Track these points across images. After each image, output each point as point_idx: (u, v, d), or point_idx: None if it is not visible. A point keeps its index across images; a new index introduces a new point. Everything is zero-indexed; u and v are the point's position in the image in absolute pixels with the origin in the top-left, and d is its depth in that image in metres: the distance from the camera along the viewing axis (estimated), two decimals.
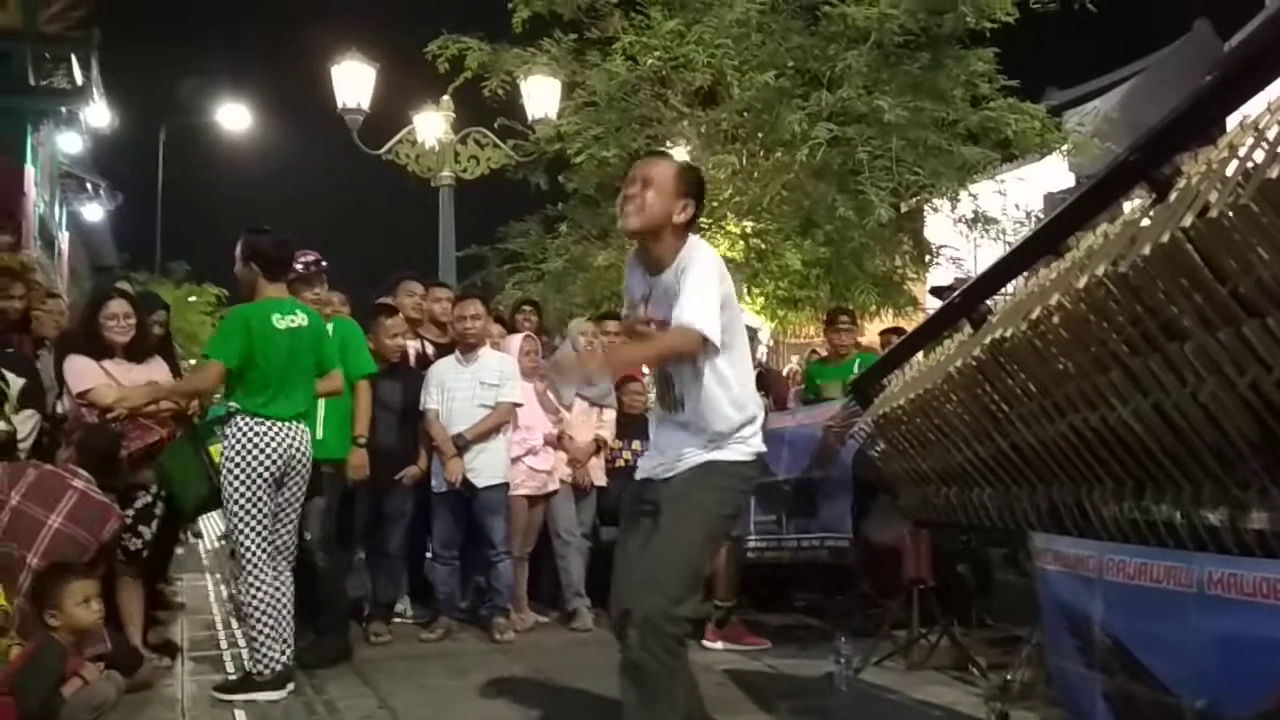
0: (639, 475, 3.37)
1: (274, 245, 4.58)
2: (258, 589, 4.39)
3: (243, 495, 4.35)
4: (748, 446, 3.17)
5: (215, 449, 4.55)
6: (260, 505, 4.38)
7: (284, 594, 4.50)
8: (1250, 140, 2.16)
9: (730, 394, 3.13)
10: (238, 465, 4.35)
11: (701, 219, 9.83)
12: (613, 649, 5.48)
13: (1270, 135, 2.11)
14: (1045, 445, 2.87)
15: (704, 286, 3.01)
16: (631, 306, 3.39)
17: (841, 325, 7.01)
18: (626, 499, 3.48)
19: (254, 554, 4.39)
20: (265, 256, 4.53)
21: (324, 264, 5.38)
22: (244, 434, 4.36)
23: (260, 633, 4.38)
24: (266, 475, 4.38)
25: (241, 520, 4.37)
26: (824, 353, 7.33)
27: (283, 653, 4.43)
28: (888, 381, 4.25)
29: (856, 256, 9.85)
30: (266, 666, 4.37)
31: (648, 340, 3.19)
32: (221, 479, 4.40)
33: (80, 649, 3.91)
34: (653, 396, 3.46)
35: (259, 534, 4.40)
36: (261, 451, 4.36)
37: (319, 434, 5.03)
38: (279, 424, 4.42)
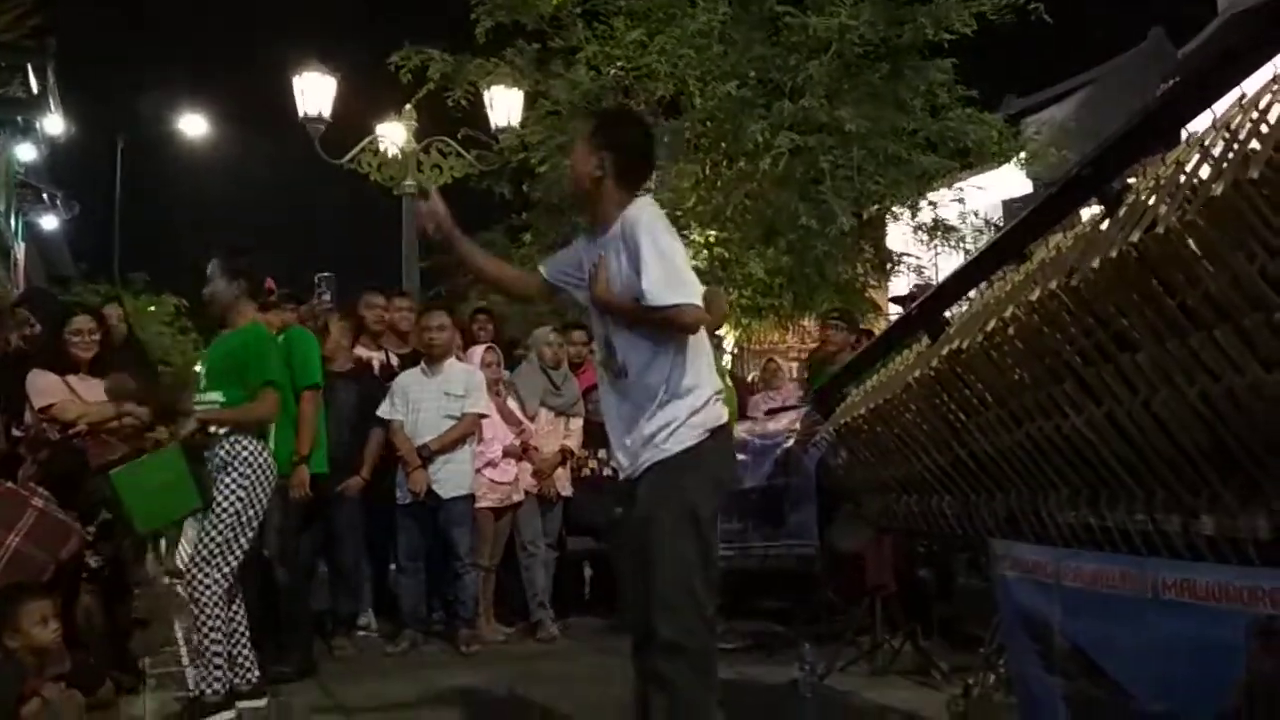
0: (620, 475, 3.26)
1: (259, 265, 4.55)
2: (219, 612, 4.22)
3: (244, 519, 4.23)
4: (701, 420, 3.03)
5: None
6: (252, 533, 4.30)
7: (238, 619, 4.39)
8: (1196, 156, 2.21)
9: (675, 356, 3.03)
10: (254, 487, 4.24)
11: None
12: (578, 659, 5.52)
13: (1215, 151, 2.16)
14: (1002, 453, 2.91)
15: (659, 253, 2.94)
16: (563, 274, 3.34)
17: (831, 321, 6.88)
18: (617, 500, 3.39)
19: (226, 580, 4.24)
20: (251, 276, 4.47)
21: (273, 294, 5.36)
22: (259, 457, 4.28)
23: (215, 653, 4.22)
24: (267, 502, 4.33)
25: (231, 541, 4.21)
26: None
27: (234, 673, 4.31)
28: (849, 390, 4.28)
29: (819, 265, 9.93)
30: (219, 690, 4.20)
31: (646, 311, 2.97)
32: (224, 498, 4.22)
33: (40, 669, 3.86)
34: (597, 359, 3.33)
35: (240, 559, 4.28)
36: (270, 477, 4.32)
37: (271, 445, 4.99)
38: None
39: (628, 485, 3.15)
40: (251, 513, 4.25)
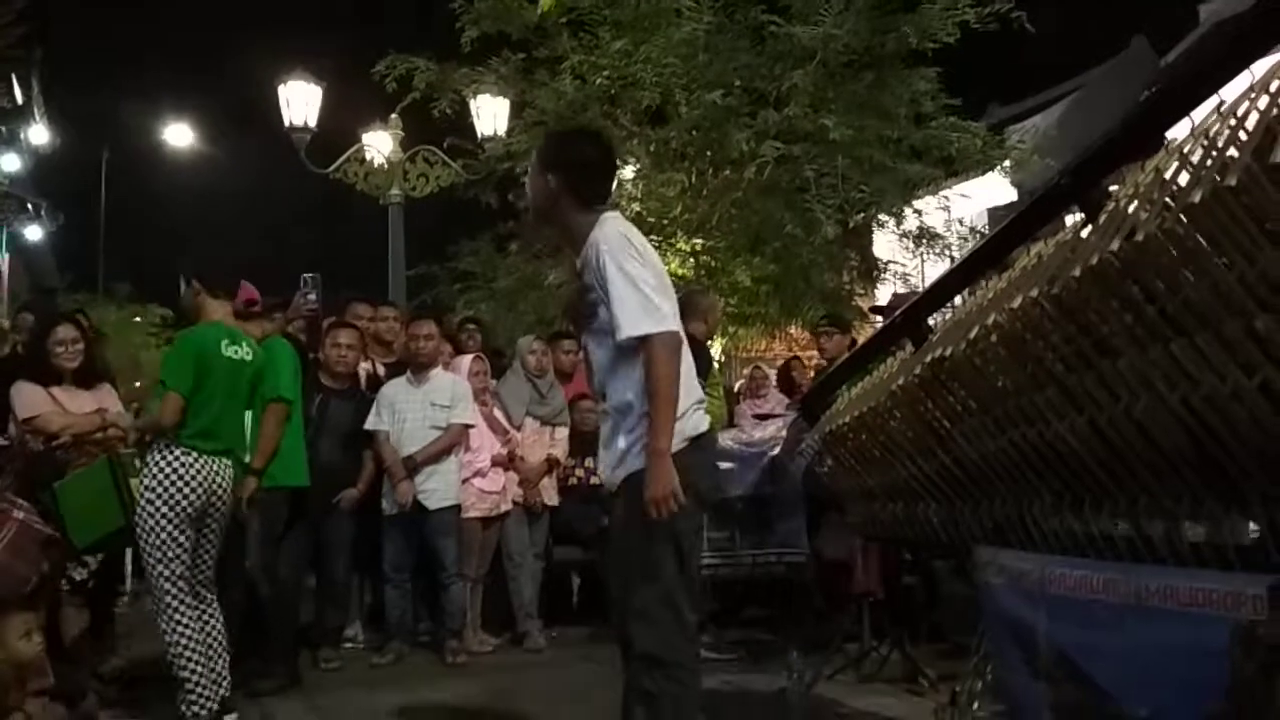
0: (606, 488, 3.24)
1: (214, 262, 4.42)
2: (181, 629, 4.12)
3: (163, 530, 4.10)
4: (679, 429, 2.95)
5: (135, 483, 4.30)
6: (180, 541, 4.12)
7: (211, 631, 4.26)
8: (1175, 164, 2.23)
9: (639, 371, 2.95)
10: (159, 498, 4.10)
11: (651, 236, 10.01)
12: (566, 669, 5.51)
13: (1194, 159, 2.17)
14: (987, 460, 2.92)
15: (628, 281, 2.90)
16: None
17: (821, 330, 6.76)
18: (604, 510, 3.35)
19: (173, 593, 4.12)
20: (205, 275, 4.36)
21: (256, 304, 5.24)
22: (168, 464, 4.12)
23: (189, 674, 4.12)
24: (188, 510, 4.13)
25: (160, 557, 4.10)
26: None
27: (215, 692, 4.21)
28: (834, 398, 4.29)
29: (805, 273, 9.93)
30: (202, 708, 4.13)
31: (656, 415, 2.91)
32: (138, 513, 4.15)
33: (23, 683, 3.83)
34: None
35: (177, 572, 4.13)
36: (186, 484, 4.12)
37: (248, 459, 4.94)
38: (204, 457, 4.18)
39: (611, 497, 3.15)
40: (168, 521, 4.09)
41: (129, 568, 6.77)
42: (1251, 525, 2.21)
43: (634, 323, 2.90)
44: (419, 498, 5.63)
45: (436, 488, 5.67)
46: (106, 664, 5.13)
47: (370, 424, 5.76)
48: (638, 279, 2.94)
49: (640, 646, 2.93)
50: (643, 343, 2.92)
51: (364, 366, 6.24)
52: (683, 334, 3.04)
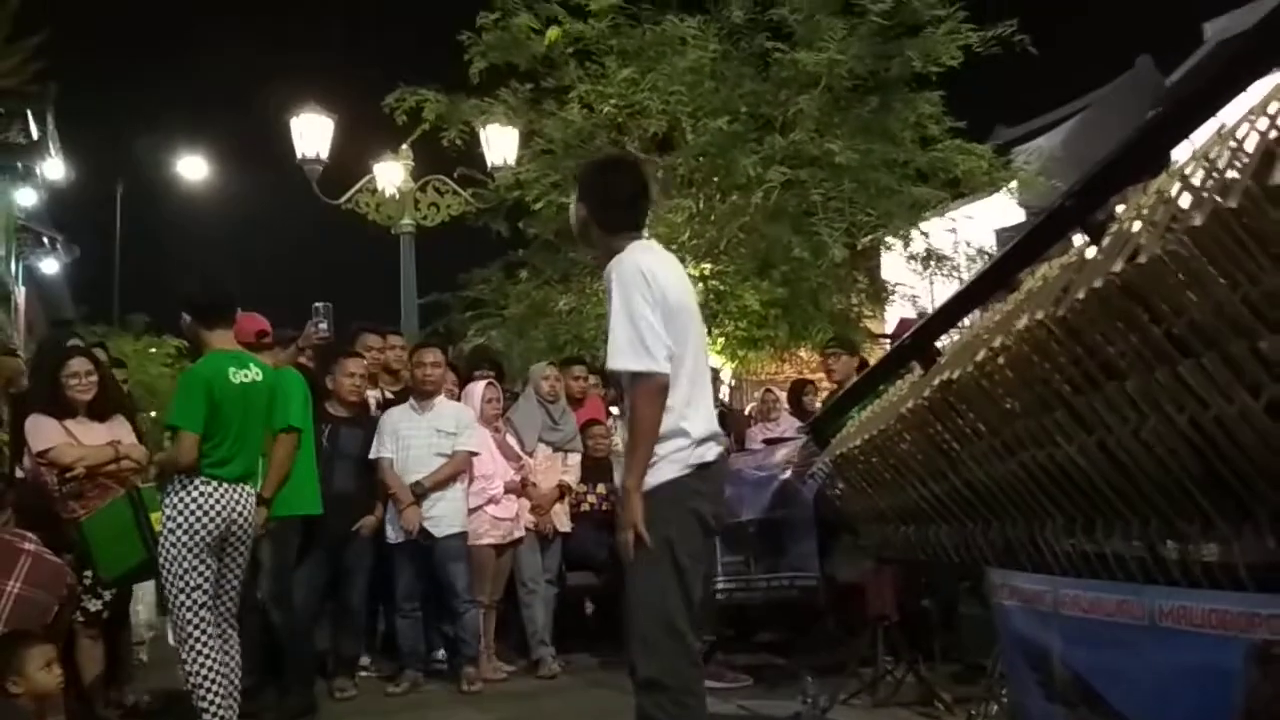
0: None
1: (202, 288, 4.32)
2: (203, 660, 4.10)
3: (185, 560, 4.07)
4: (684, 457, 3.02)
5: (156, 516, 4.27)
6: (203, 571, 4.10)
7: (231, 661, 4.23)
8: (1177, 186, 2.24)
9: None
10: (180, 528, 4.06)
11: None
12: (580, 696, 5.50)
13: (1195, 181, 2.19)
14: (997, 482, 2.92)
15: (628, 315, 2.95)
16: None
17: (829, 352, 6.76)
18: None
19: (195, 623, 4.09)
20: (195, 303, 4.28)
21: (268, 335, 5.20)
22: (188, 494, 4.08)
23: (208, 705, 4.09)
24: (208, 539, 4.10)
25: (182, 587, 4.08)
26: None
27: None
28: (844, 421, 4.30)
29: (813, 296, 9.99)
30: None
31: (629, 452, 3.03)
32: (160, 544, 4.13)
33: (41, 715, 3.84)
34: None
35: (200, 602, 4.11)
36: (205, 514, 4.08)
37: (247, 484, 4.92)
38: (224, 485, 4.15)
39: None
40: (190, 551, 4.07)
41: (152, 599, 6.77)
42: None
43: (618, 356, 2.97)
44: (426, 525, 5.64)
45: (444, 514, 5.67)
46: (121, 696, 5.14)
47: (374, 452, 5.77)
48: (636, 315, 2.96)
49: (643, 672, 2.93)
50: (629, 379, 2.99)
51: (374, 395, 6.27)
52: (670, 377, 3.00)
